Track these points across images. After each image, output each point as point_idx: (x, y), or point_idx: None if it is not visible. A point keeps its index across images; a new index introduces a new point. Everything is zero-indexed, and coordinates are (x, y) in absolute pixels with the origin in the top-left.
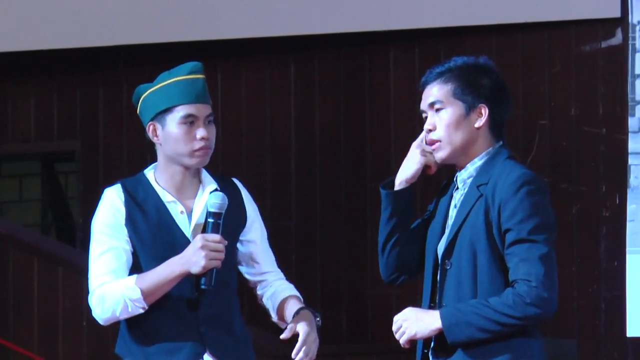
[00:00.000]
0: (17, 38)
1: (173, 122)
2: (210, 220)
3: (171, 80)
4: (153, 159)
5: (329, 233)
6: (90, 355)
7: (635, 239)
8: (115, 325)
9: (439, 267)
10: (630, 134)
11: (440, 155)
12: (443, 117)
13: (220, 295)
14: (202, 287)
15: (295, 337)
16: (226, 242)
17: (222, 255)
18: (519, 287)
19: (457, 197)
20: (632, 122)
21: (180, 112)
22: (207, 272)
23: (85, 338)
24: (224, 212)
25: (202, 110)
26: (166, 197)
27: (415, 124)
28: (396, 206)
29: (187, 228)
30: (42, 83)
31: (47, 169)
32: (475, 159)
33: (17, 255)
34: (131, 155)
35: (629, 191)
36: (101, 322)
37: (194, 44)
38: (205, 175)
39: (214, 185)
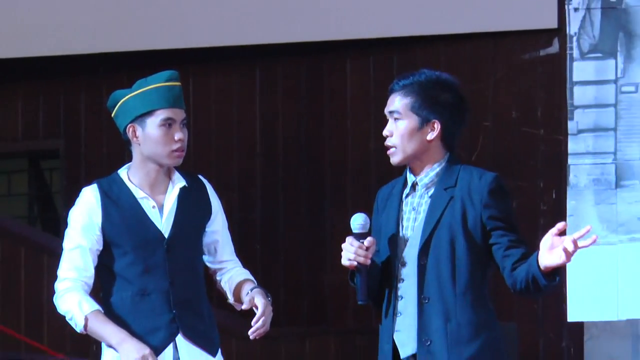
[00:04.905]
0: (6, 46)
1: (153, 125)
2: None
3: (151, 86)
4: (131, 157)
5: (291, 225)
6: (72, 336)
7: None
8: None
9: (417, 265)
10: (570, 137)
11: (394, 159)
12: (399, 127)
13: (190, 281)
14: None
15: (251, 313)
16: None
17: None
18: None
19: (415, 200)
20: (571, 126)
21: (160, 115)
22: None
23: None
24: None
25: (179, 114)
26: (139, 193)
27: (370, 125)
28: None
29: (159, 221)
30: (29, 87)
31: (33, 166)
32: (435, 165)
33: (6, 244)
34: (110, 153)
35: (568, 189)
36: None
37: (168, 51)
38: (176, 173)
39: (183, 182)
